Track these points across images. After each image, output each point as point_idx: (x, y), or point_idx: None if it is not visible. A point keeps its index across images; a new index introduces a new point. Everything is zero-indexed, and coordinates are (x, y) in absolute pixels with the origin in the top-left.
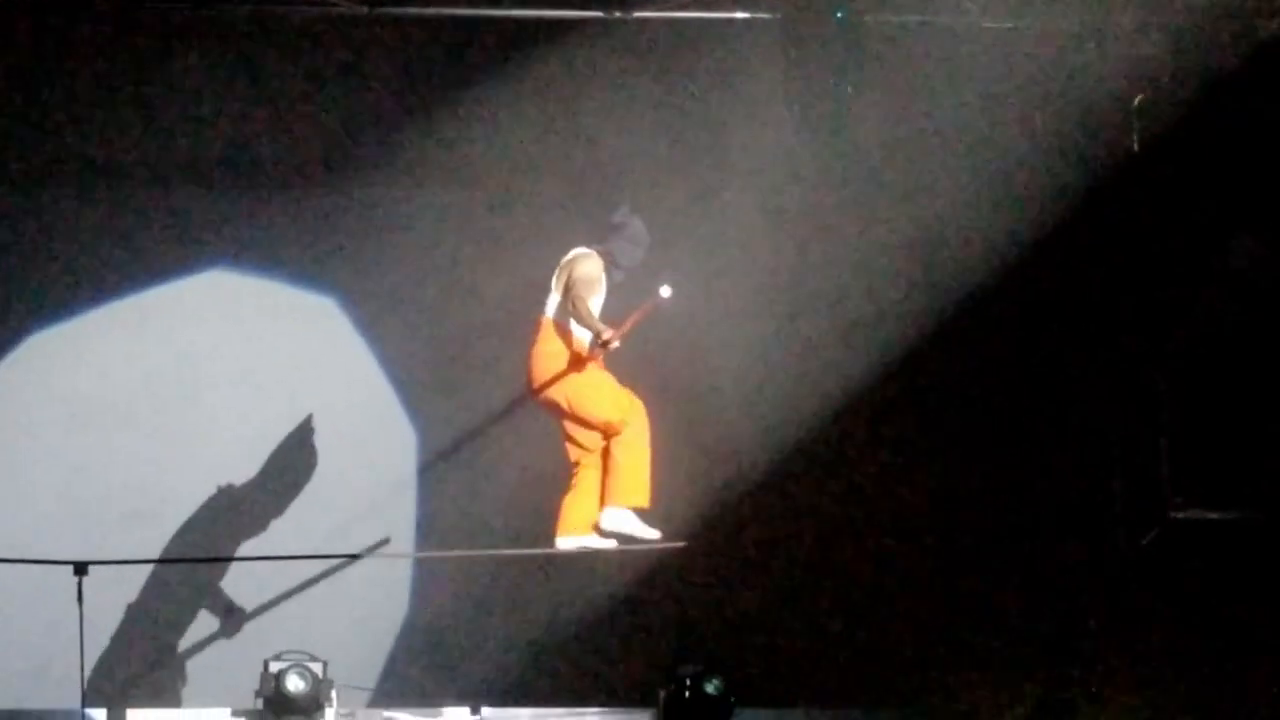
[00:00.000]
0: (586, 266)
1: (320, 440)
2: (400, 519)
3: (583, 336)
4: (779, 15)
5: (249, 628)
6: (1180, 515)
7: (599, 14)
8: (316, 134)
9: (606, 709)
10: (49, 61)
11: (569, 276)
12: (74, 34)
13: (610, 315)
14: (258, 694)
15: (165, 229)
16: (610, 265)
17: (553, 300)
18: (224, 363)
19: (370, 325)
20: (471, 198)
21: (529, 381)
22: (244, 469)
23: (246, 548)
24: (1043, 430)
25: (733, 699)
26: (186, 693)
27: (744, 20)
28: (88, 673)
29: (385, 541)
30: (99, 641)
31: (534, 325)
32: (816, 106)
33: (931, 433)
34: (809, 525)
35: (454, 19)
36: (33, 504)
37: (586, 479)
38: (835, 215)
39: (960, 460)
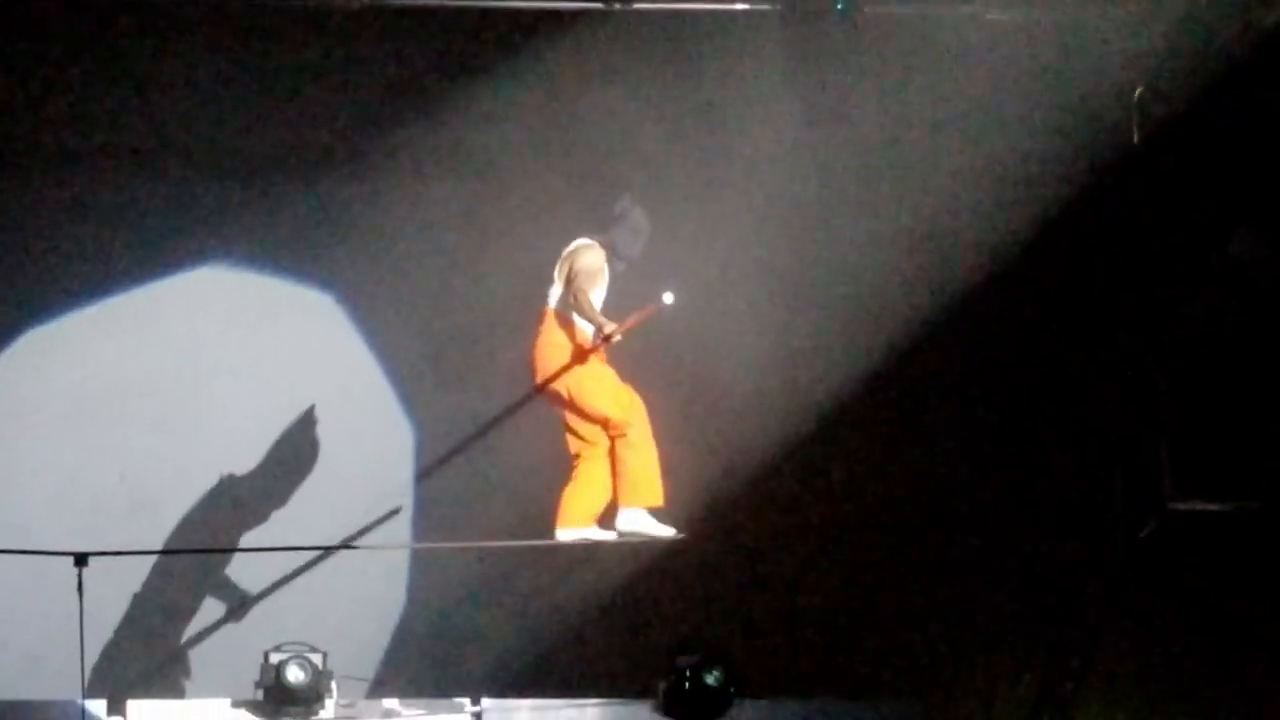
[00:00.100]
0: (588, 258)
1: (318, 433)
2: (402, 514)
3: (585, 328)
4: (779, 6)
5: (249, 618)
6: (1178, 507)
7: (599, 5)
8: (314, 127)
9: (606, 700)
10: (43, 53)
11: (571, 268)
12: (71, 27)
13: (611, 312)
14: (258, 685)
15: (162, 224)
16: (612, 256)
17: (555, 291)
18: (222, 357)
19: (368, 319)
20: (470, 190)
21: (532, 372)
22: (242, 462)
23: (245, 540)
24: (1042, 423)
25: (733, 690)
26: (186, 684)
27: (744, 11)
28: (88, 664)
29: (397, 511)
30: (99, 633)
31: (535, 318)
32: (817, 98)
33: (931, 425)
34: (809, 517)
35: (453, 10)
36: (32, 497)
37: (587, 471)
38: (835, 207)
39: (959, 453)
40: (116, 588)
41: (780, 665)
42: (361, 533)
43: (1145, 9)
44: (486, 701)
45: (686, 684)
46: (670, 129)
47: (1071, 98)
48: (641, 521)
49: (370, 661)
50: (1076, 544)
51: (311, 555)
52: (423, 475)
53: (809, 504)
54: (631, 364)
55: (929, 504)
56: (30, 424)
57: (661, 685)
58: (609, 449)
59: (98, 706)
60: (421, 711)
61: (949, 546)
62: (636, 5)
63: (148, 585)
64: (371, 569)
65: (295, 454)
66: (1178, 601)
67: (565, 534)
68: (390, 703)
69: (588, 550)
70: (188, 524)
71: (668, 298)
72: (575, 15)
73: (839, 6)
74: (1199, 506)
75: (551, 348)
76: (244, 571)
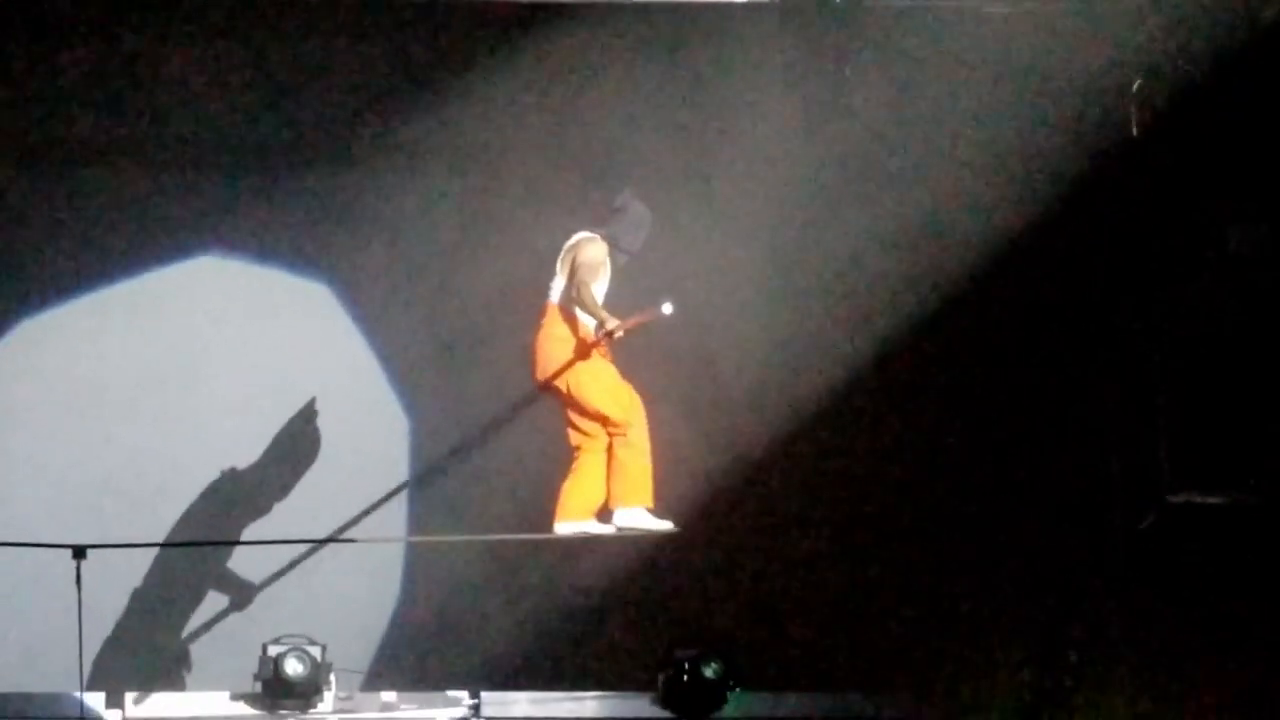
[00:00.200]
0: (591, 251)
1: (315, 425)
2: (396, 504)
3: (587, 322)
4: (778, 0)
5: (248, 611)
6: (1177, 500)
7: None
8: (311, 118)
9: (605, 693)
10: (40, 44)
11: (573, 261)
12: (67, 18)
13: (614, 308)
14: (256, 677)
15: (158, 214)
16: (614, 249)
17: (558, 285)
18: (218, 348)
19: (365, 311)
20: (468, 182)
21: (534, 366)
22: (239, 454)
23: (241, 532)
24: (1040, 416)
25: (731, 682)
26: (185, 676)
27: (744, 5)
28: (86, 656)
29: (405, 486)
30: (97, 625)
31: (533, 310)
32: (816, 91)
33: (930, 420)
34: (807, 511)
35: (452, 3)
36: (29, 489)
37: (587, 464)
38: (835, 199)
39: (957, 447)
40: (115, 580)
41: (779, 658)
42: (358, 519)
43: (1144, 2)
44: (485, 694)
45: (685, 676)
46: (670, 122)
47: (1070, 90)
48: (641, 518)
49: (368, 654)
50: (1075, 538)
51: (310, 548)
52: (422, 469)
53: (808, 498)
54: (630, 358)
55: (927, 498)
56: (25, 416)
57: (660, 678)
58: (608, 445)
59: (96, 699)
60: (419, 704)
61: (947, 540)
62: None
63: (146, 578)
64: (370, 562)
65: (292, 446)
66: (1176, 595)
67: (564, 527)
68: (388, 695)
69: (586, 544)
70: (185, 516)
71: (667, 308)
72: (574, 8)
73: (837, 0)
74: (1197, 500)
75: (553, 341)
76: (242, 564)
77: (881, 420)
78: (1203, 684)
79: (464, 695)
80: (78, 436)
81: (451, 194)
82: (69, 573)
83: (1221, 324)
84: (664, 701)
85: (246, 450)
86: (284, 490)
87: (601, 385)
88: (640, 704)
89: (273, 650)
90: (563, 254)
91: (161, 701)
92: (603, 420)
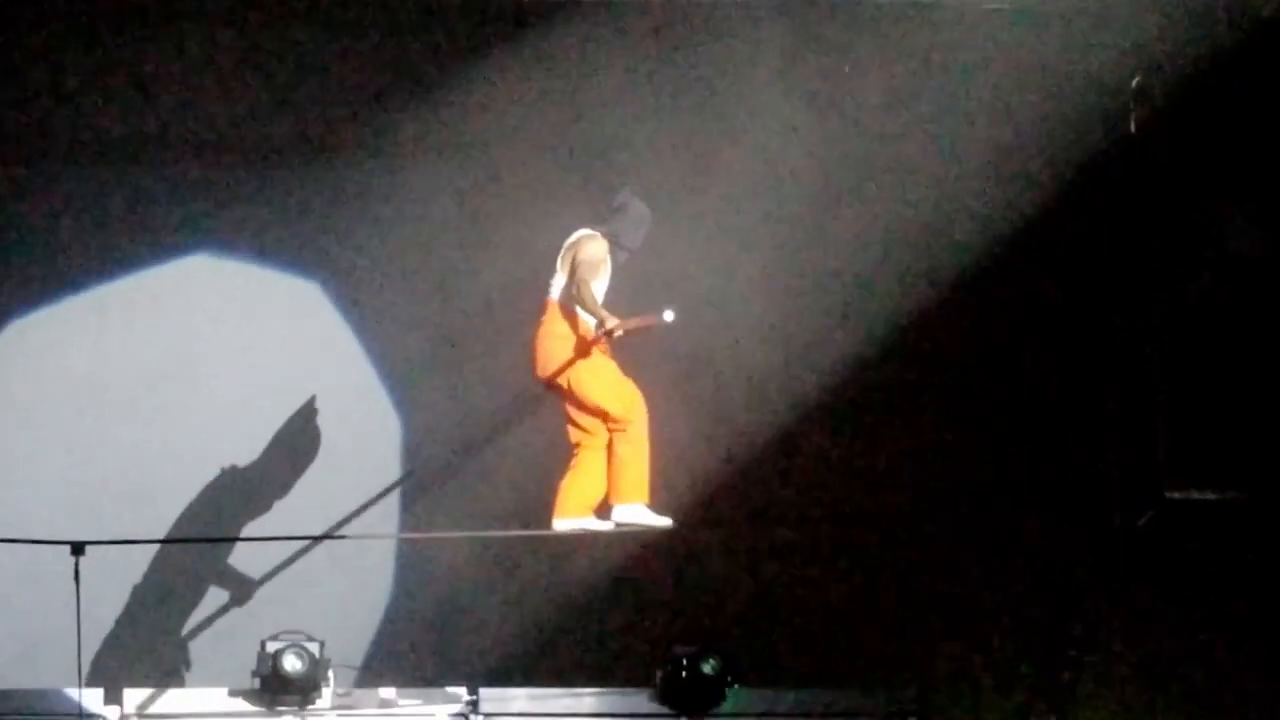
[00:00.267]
0: (592, 249)
1: (310, 422)
2: (394, 501)
3: (588, 320)
4: None
5: (246, 607)
6: (1176, 496)
7: None
8: (306, 116)
9: (604, 689)
10: (36, 42)
11: (574, 259)
12: (64, 17)
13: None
14: (255, 674)
15: (151, 213)
16: (614, 247)
17: (558, 282)
18: (211, 347)
19: (358, 309)
20: (464, 180)
21: (533, 363)
22: (233, 452)
23: (237, 528)
24: (1039, 413)
25: (729, 678)
26: (184, 673)
27: (743, 3)
28: (85, 653)
29: (410, 474)
30: (96, 622)
31: (528, 307)
32: (815, 88)
33: (928, 415)
34: (806, 507)
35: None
36: (26, 486)
37: (586, 461)
38: (835, 196)
39: (956, 443)
40: (113, 577)
41: (777, 654)
42: (354, 516)
43: None
44: (484, 691)
45: (684, 672)
46: (670, 119)
47: (1069, 88)
48: (640, 514)
49: (367, 651)
50: (1074, 534)
51: (307, 545)
52: (420, 466)
53: (806, 494)
54: (629, 355)
55: (926, 494)
56: (22, 413)
57: (659, 674)
58: (608, 442)
59: (95, 695)
60: (418, 700)
61: (946, 536)
62: None
63: (144, 574)
64: (368, 559)
65: (287, 444)
66: (1174, 591)
67: (562, 524)
68: (387, 692)
69: (585, 540)
70: (182, 513)
71: (668, 315)
72: (574, 4)
73: None
74: (1196, 496)
75: (553, 339)
76: (240, 562)
77: (880, 417)
78: (1201, 680)
79: (462, 691)
80: (73, 433)
81: (447, 191)
82: (67, 569)
83: (1220, 321)
84: (662, 697)
85: (242, 448)
86: (280, 488)
87: (603, 382)
88: (639, 700)
89: (271, 647)
90: (563, 251)
91: (160, 698)
92: (604, 417)
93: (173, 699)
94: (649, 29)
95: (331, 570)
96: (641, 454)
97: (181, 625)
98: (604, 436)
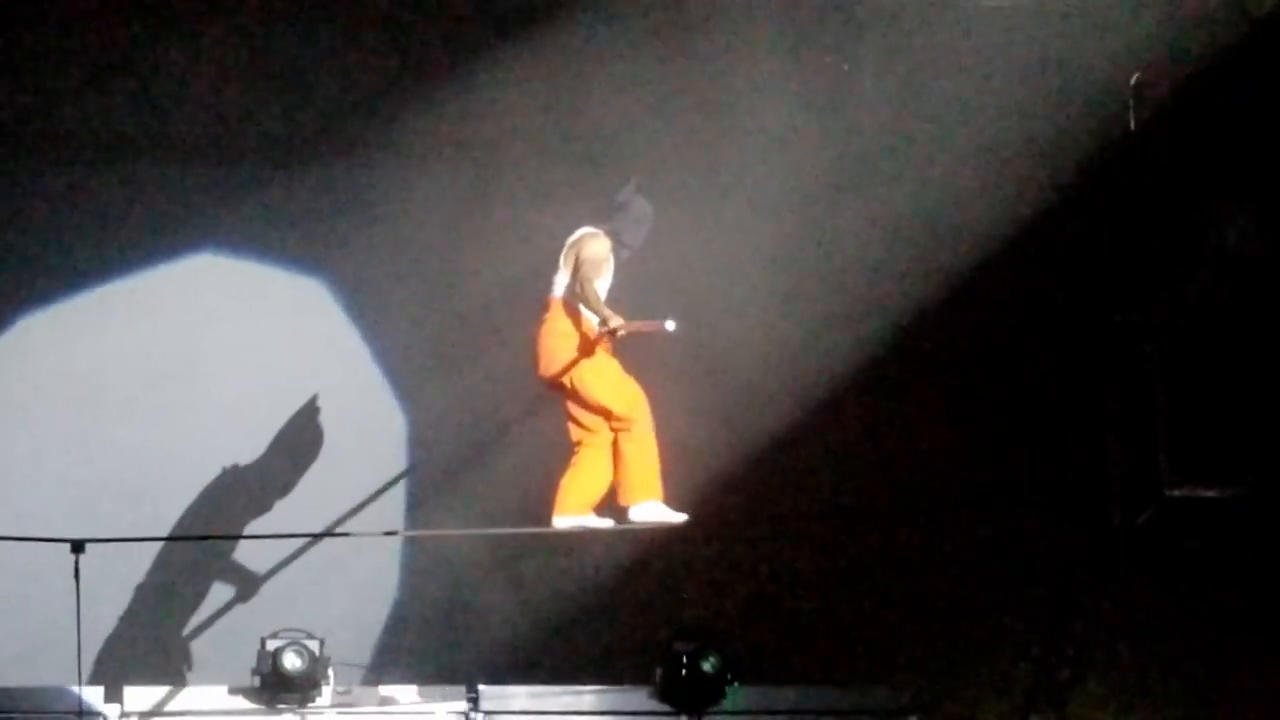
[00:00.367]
0: (594, 247)
1: (314, 421)
2: (395, 499)
3: (591, 317)
4: None
5: (246, 605)
6: (1175, 494)
7: None
8: (308, 114)
9: (603, 686)
10: (39, 40)
11: (577, 257)
12: (67, 14)
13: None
14: (255, 671)
15: (155, 212)
16: (616, 244)
17: (561, 279)
18: (214, 345)
19: (361, 307)
20: (466, 177)
21: (536, 361)
22: (236, 451)
23: (241, 526)
24: (1038, 410)
25: (729, 676)
26: (184, 670)
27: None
28: (86, 651)
29: (400, 478)
30: (97, 620)
31: (532, 304)
32: (816, 85)
33: (928, 413)
34: (806, 505)
35: None
36: (29, 484)
37: (587, 459)
38: (836, 192)
39: (956, 440)
40: (114, 575)
41: (776, 652)
42: (353, 513)
43: None
44: (483, 688)
45: (683, 670)
46: (671, 115)
47: (1068, 84)
48: (654, 511)
49: (367, 648)
50: (1073, 532)
51: (307, 542)
52: (418, 463)
53: (805, 492)
54: (632, 352)
55: (925, 491)
56: (24, 411)
57: (658, 671)
58: (611, 441)
59: (95, 693)
60: (418, 698)
61: (946, 534)
62: None
63: (144, 572)
64: (368, 557)
65: (290, 442)
66: (1174, 588)
67: (562, 521)
68: (387, 689)
69: (585, 538)
70: (184, 511)
71: (670, 324)
72: (577, 2)
73: None
74: (1195, 493)
75: (556, 336)
76: (241, 559)
77: (879, 415)
78: (1200, 677)
79: (462, 689)
80: (75, 432)
81: (450, 189)
82: (68, 567)
83: (1219, 319)
84: (662, 695)
85: (244, 446)
86: (283, 486)
87: (605, 380)
88: (638, 698)
89: (271, 644)
90: (565, 249)
91: (159, 695)
92: (606, 415)
93: (173, 697)
94: (650, 29)
95: (331, 569)
96: (648, 452)
97: (182, 623)
98: (605, 435)
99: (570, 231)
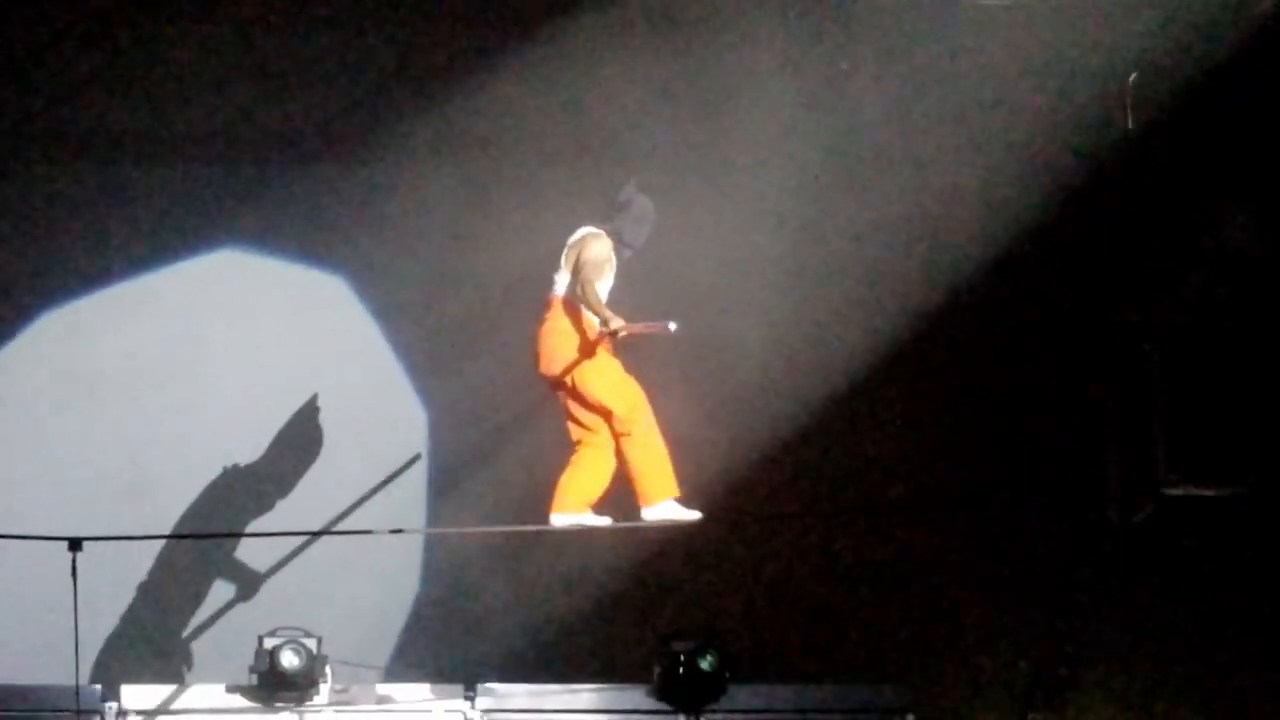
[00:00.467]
0: (596, 247)
1: (329, 418)
2: (410, 497)
3: (592, 317)
4: None
5: (244, 604)
6: (1173, 492)
7: None
8: (329, 112)
9: (601, 685)
10: (59, 37)
11: (578, 257)
12: (92, 12)
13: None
14: (252, 669)
15: (177, 209)
16: (618, 244)
17: (562, 278)
18: (234, 342)
19: (380, 303)
20: (483, 175)
21: (536, 359)
22: (253, 447)
23: (253, 525)
24: (1037, 408)
25: (727, 674)
26: (181, 669)
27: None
28: (83, 649)
29: (417, 458)
30: (94, 618)
31: (543, 304)
32: (816, 84)
33: (925, 410)
34: (804, 502)
35: None
36: (25, 482)
37: (586, 458)
38: (835, 192)
39: (954, 438)
40: (111, 573)
41: (774, 650)
42: (349, 511)
43: None
44: (481, 686)
45: (681, 669)
46: (673, 114)
47: (1066, 83)
48: (669, 511)
49: (365, 646)
50: (1072, 530)
51: (309, 540)
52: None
53: (803, 490)
54: (633, 350)
55: (923, 489)
56: (47, 408)
57: (656, 669)
58: (611, 441)
59: (92, 692)
60: (416, 696)
61: (944, 532)
62: None
63: (142, 570)
64: (366, 555)
65: (303, 439)
66: (1172, 587)
67: (560, 519)
68: (385, 688)
69: (583, 536)
70: (194, 509)
71: (672, 326)
72: (576, 3)
73: None
74: (1194, 492)
75: (556, 335)
76: (241, 558)
77: (877, 414)
78: (1198, 676)
79: (460, 687)
80: (96, 428)
81: (462, 185)
82: (65, 565)
83: (1218, 317)
84: (660, 693)
85: (261, 443)
86: (295, 483)
87: (607, 380)
88: (636, 696)
89: (269, 642)
90: (567, 249)
91: (157, 694)
92: (607, 415)
93: (170, 695)
94: (650, 29)
95: (329, 566)
96: (653, 452)
97: (179, 621)
98: (605, 434)
99: (571, 231)
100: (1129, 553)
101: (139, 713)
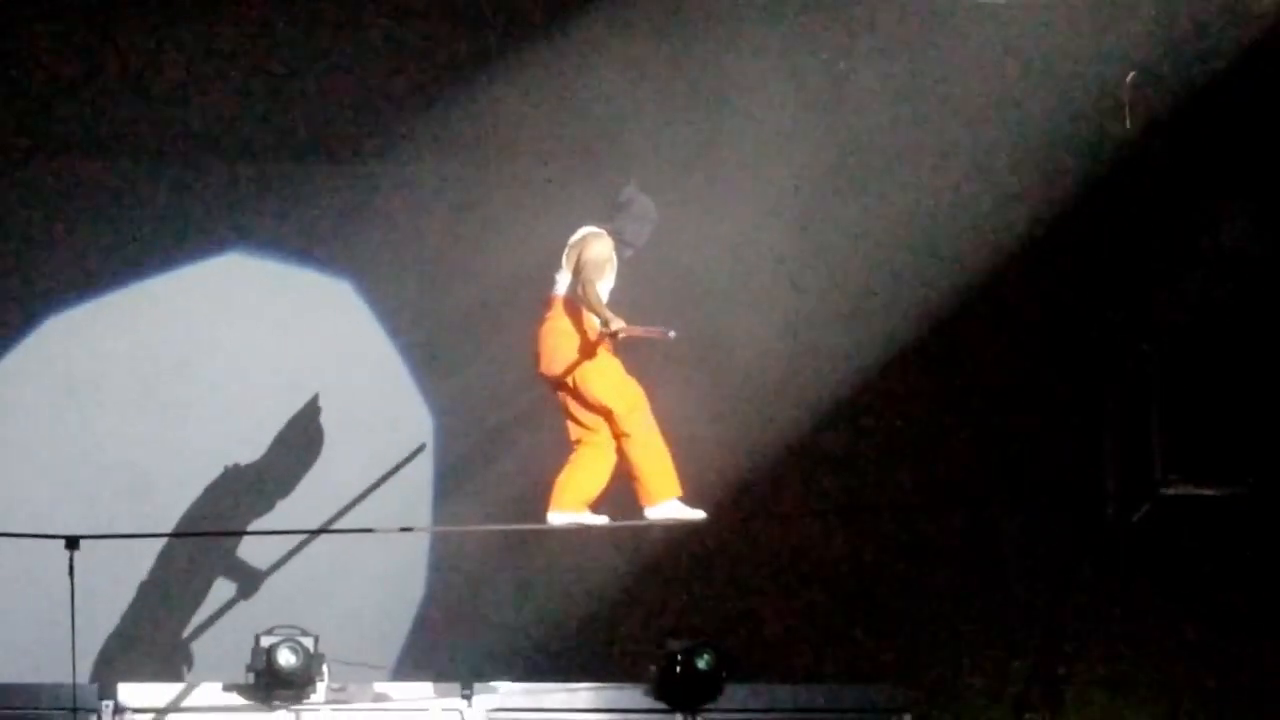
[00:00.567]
0: (597, 248)
1: (334, 419)
2: (414, 497)
3: (593, 317)
4: None
5: (246, 603)
6: (1171, 491)
7: None
8: (337, 115)
9: (598, 684)
10: (65, 40)
11: (579, 257)
12: (100, 13)
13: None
14: (249, 668)
15: (184, 212)
16: (619, 244)
17: (563, 278)
18: (239, 344)
19: (381, 303)
20: (490, 177)
21: (536, 358)
22: (258, 448)
23: (256, 525)
24: (1035, 407)
25: (724, 674)
26: (179, 667)
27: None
28: (81, 647)
29: (421, 448)
30: (91, 617)
31: (543, 303)
32: (815, 84)
33: (922, 409)
34: (801, 502)
35: None
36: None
37: (584, 457)
38: (835, 192)
39: (952, 436)
40: (109, 572)
41: (771, 650)
42: (346, 510)
43: None
44: (478, 684)
45: (678, 667)
46: (671, 114)
47: (1066, 83)
48: (672, 509)
49: (362, 645)
50: (1069, 529)
51: (307, 539)
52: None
53: (799, 490)
54: (634, 349)
55: (920, 489)
56: (57, 410)
57: (653, 668)
58: (611, 440)
59: (89, 690)
60: (414, 695)
61: (941, 531)
62: None
63: (139, 569)
64: (363, 553)
65: (307, 442)
66: (1169, 586)
67: (557, 518)
68: (382, 686)
69: (581, 534)
70: (198, 509)
71: (671, 333)
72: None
73: None
74: (1191, 491)
75: (557, 335)
76: (240, 556)
77: (874, 413)
78: (1195, 675)
79: (457, 685)
80: (104, 431)
81: (467, 186)
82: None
83: (1216, 317)
84: (657, 693)
85: (267, 443)
86: (307, 484)
87: (608, 380)
88: (633, 695)
89: (266, 641)
90: (568, 248)
91: (154, 692)
92: (607, 414)
93: (167, 693)
94: (650, 29)
95: (327, 565)
96: (654, 451)
97: (177, 620)
98: (604, 434)
99: (572, 230)
100: (1127, 552)
101: (136, 711)
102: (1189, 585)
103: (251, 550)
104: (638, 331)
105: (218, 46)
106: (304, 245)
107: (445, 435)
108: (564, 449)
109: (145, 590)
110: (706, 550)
